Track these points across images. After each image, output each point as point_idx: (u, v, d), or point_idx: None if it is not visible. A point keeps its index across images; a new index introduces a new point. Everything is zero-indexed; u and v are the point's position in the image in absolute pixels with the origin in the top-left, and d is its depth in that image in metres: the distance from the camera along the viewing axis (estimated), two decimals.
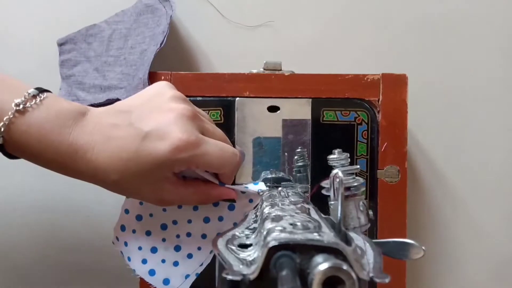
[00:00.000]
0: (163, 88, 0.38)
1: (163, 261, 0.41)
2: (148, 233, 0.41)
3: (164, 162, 0.34)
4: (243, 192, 0.40)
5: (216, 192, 0.39)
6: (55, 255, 0.62)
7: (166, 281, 0.40)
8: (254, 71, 0.50)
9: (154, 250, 0.41)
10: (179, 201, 0.39)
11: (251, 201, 0.41)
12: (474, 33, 0.62)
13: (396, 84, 0.48)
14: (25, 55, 0.62)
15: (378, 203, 0.48)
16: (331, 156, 0.39)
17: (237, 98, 0.49)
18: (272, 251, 0.21)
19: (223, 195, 0.40)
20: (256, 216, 0.35)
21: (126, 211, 0.41)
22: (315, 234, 0.23)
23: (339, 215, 0.28)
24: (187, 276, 0.40)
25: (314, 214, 0.30)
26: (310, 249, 0.21)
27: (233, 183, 0.42)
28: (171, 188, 0.37)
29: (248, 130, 0.49)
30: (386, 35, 0.62)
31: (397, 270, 0.47)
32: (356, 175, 0.38)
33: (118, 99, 0.52)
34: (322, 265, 0.20)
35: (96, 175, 0.35)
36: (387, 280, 0.21)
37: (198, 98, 0.49)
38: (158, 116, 0.35)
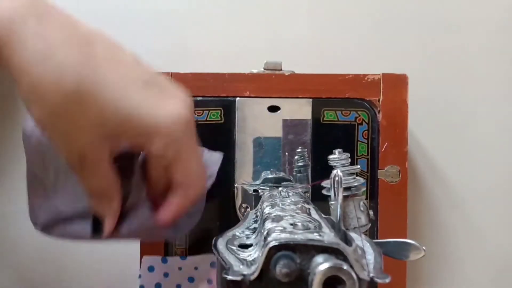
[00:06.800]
0: None
1: None
2: None
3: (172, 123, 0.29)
4: None
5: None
6: (55, 255, 0.62)
7: None
8: (254, 71, 0.50)
9: None
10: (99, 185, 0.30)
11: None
12: (474, 33, 0.61)
13: (396, 84, 0.48)
14: None
15: (379, 203, 0.48)
16: (332, 156, 0.39)
17: (237, 98, 0.49)
18: (272, 251, 0.21)
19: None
20: (256, 216, 0.35)
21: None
22: (316, 234, 0.23)
23: (338, 215, 0.28)
24: None
25: (314, 214, 0.30)
26: (310, 249, 0.21)
27: None
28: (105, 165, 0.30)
29: (248, 130, 0.49)
30: (386, 35, 0.62)
31: (397, 270, 0.47)
32: (357, 175, 0.39)
33: None
34: (322, 265, 0.20)
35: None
36: (387, 280, 0.21)
37: (198, 98, 0.49)
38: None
